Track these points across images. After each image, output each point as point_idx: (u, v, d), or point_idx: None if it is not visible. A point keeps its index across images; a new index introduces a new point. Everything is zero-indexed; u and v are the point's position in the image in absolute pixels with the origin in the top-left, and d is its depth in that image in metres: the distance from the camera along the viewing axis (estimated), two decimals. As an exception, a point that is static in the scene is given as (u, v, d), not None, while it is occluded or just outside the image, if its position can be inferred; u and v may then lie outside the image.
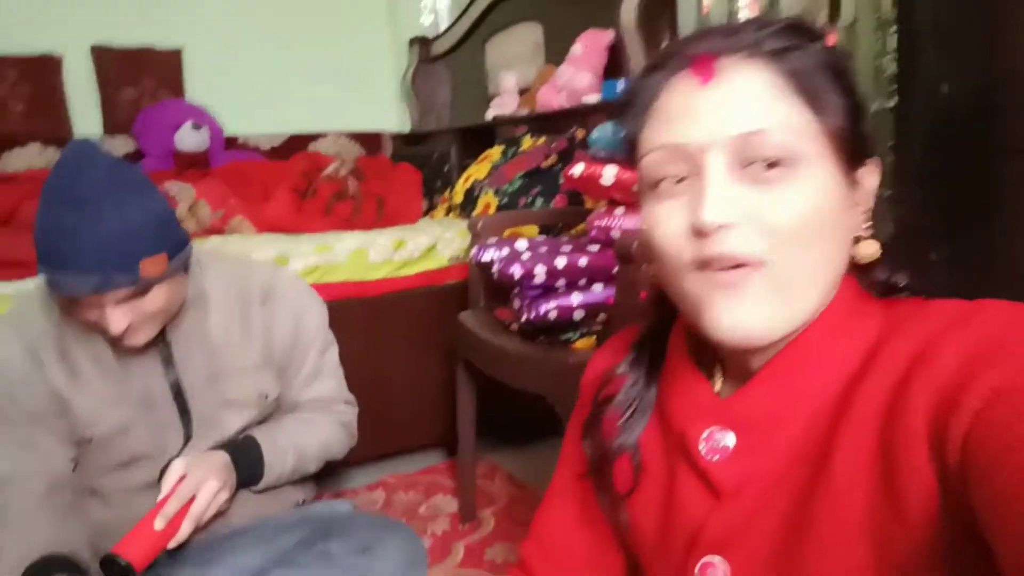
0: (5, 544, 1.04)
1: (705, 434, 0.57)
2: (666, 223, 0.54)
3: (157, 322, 1.07)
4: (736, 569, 0.56)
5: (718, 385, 0.61)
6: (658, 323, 0.68)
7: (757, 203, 0.51)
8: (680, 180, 0.54)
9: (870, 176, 0.56)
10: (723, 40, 0.53)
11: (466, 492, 1.81)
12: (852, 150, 0.53)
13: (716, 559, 0.56)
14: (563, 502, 0.75)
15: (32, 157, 2.93)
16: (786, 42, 0.52)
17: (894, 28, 1.39)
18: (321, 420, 1.28)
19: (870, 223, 0.56)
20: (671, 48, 0.56)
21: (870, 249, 0.55)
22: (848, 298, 0.55)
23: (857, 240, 0.55)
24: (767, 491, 0.54)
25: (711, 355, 0.62)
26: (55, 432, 1.12)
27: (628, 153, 0.59)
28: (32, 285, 1.60)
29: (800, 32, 0.53)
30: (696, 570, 0.57)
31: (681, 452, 0.60)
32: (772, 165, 0.50)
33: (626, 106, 0.58)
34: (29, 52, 3.04)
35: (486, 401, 1.76)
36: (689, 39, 0.55)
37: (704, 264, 0.52)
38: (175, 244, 1.04)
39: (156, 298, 1.03)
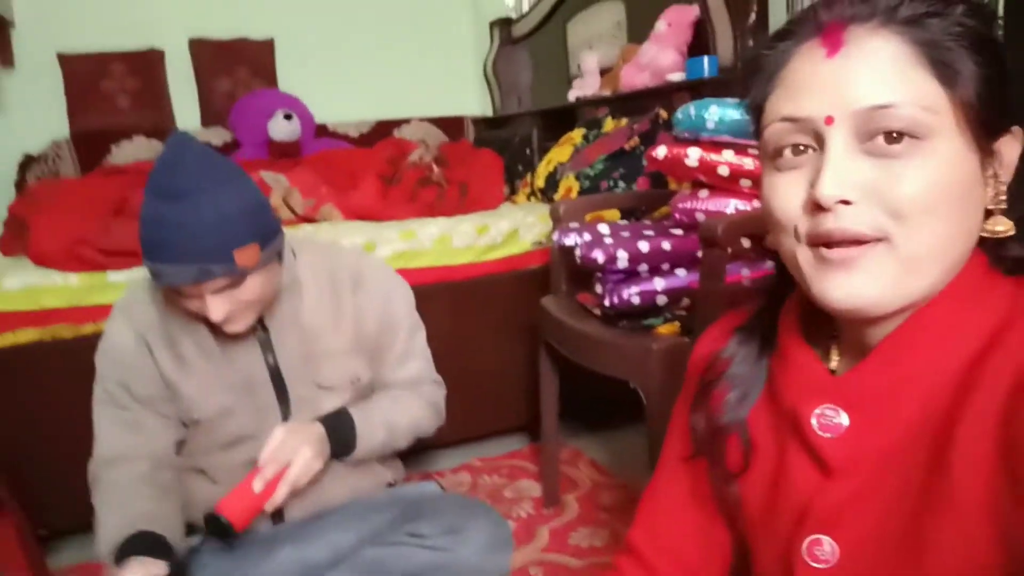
0: (106, 518, 1.11)
1: (818, 411, 0.57)
2: (784, 195, 0.54)
3: (254, 309, 1.12)
4: (844, 548, 0.55)
5: (834, 363, 0.61)
6: (770, 302, 0.68)
7: (880, 178, 0.50)
8: (802, 151, 0.53)
9: (1010, 147, 0.53)
10: (854, 7, 0.51)
11: (550, 477, 1.83)
12: (988, 120, 0.51)
13: (824, 538, 0.56)
14: (669, 485, 0.76)
15: (139, 149, 3.10)
16: (923, 8, 0.50)
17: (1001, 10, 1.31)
18: (411, 398, 1.32)
19: (1005, 196, 0.53)
20: (804, 13, 0.55)
21: (1002, 225, 0.53)
22: (975, 274, 0.53)
23: (989, 214, 0.53)
24: (879, 470, 0.54)
25: (827, 332, 0.61)
26: (162, 415, 1.19)
27: (754, 120, 0.59)
28: (140, 274, 1.70)
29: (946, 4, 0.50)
30: (804, 547, 0.57)
31: (792, 429, 0.60)
32: (897, 138, 0.49)
33: (752, 73, 0.57)
34: (134, 48, 3.21)
35: (569, 386, 1.77)
36: (820, 3, 0.54)
37: (819, 238, 0.52)
38: (268, 234, 1.08)
39: (252, 287, 1.08)
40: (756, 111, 0.58)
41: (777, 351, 0.63)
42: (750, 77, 0.58)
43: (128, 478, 1.15)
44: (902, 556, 0.51)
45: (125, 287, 1.30)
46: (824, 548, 0.56)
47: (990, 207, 0.53)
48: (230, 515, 1.05)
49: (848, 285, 0.51)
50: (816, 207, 0.51)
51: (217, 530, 1.06)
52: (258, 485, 1.07)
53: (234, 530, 1.05)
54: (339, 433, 1.20)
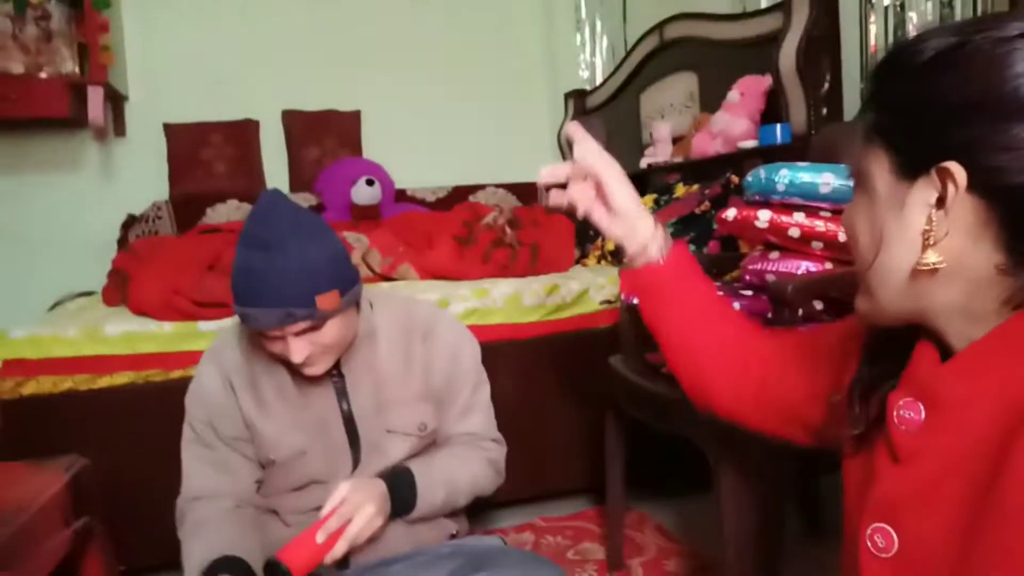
0: (193, 547, 1.16)
1: (901, 403, 0.59)
2: None
3: (332, 354, 1.18)
4: (905, 540, 0.56)
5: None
6: None
7: None
8: None
9: (936, 187, 0.55)
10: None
11: (614, 540, 1.80)
12: (903, 166, 0.57)
13: (886, 527, 0.57)
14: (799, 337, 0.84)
15: (232, 211, 3.30)
16: (872, 76, 0.60)
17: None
18: (471, 455, 1.34)
19: (930, 234, 0.56)
20: None
21: (929, 259, 0.55)
22: None
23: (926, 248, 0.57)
24: (947, 469, 0.54)
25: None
26: (245, 456, 1.25)
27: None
28: (229, 323, 1.80)
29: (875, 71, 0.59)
30: (867, 534, 0.58)
31: (878, 414, 0.62)
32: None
33: None
34: (232, 118, 3.46)
35: (636, 449, 1.75)
36: None
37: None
38: (347, 281, 1.15)
39: (331, 331, 1.14)
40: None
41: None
42: None
43: (214, 513, 1.20)
44: (960, 556, 0.51)
45: (214, 335, 1.39)
46: (884, 537, 0.57)
47: (925, 242, 0.56)
48: (290, 564, 1.08)
49: (855, 301, 0.63)
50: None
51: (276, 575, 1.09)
52: (320, 537, 1.10)
53: None
54: (400, 491, 1.22)
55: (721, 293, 1.43)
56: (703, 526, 1.94)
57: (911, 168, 0.55)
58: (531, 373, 2.03)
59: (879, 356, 0.66)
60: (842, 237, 1.26)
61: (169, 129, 3.40)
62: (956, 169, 0.52)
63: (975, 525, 0.51)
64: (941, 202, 0.53)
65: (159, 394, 1.77)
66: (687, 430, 1.37)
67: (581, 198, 0.85)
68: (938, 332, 0.58)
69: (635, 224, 0.85)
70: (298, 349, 1.12)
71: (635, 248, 0.86)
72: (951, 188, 0.53)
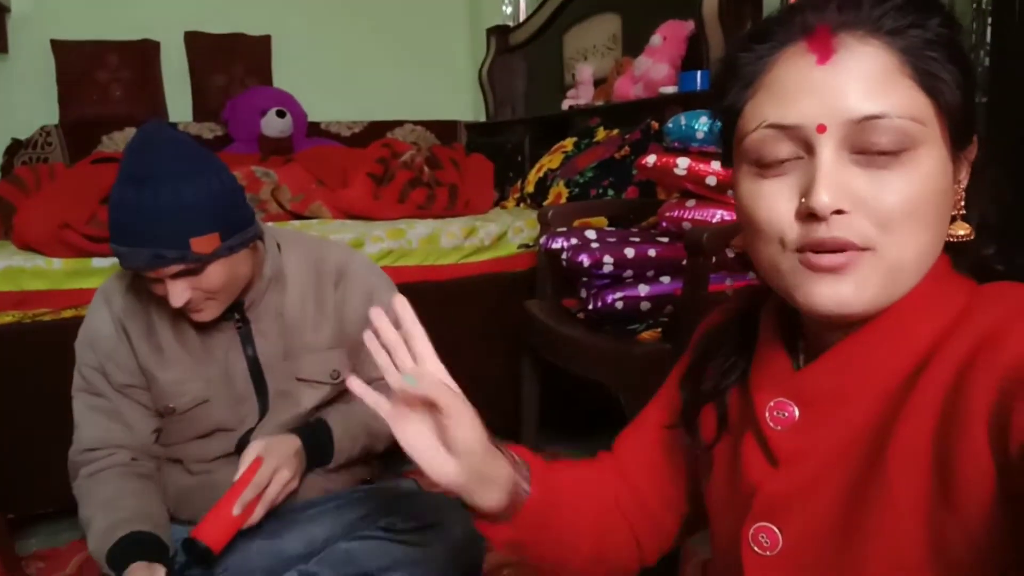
0: (95, 516, 1.09)
1: (772, 403, 0.58)
2: (771, 203, 0.53)
3: (220, 300, 1.11)
4: (788, 538, 0.56)
5: (800, 360, 0.61)
6: (752, 300, 0.69)
7: (870, 188, 0.49)
8: (787, 157, 0.52)
9: (972, 153, 0.54)
10: (842, 14, 0.51)
11: (527, 479, 1.83)
12: (962, 128, 0.52)
13: (769, 526, 0.57)
14: (639, 440, 0.78)
15: (129, 140, 3.08)
16: (907, 19, 0.50)
17: (990, 19, 1.33)
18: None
19: (963, 201, 0.55)
20: (784, 16, 0.54)
21: (963, 229, 0.54)
22: (936, 279, 0.53)
23: (953, 219, 0.54)
24: (826, 465, 0.54)
25: (799, 329, 0.62)
26: (140, 403, 1.18)
27: (726, 124, 0.58)
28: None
29: (919, 6, 0.50)
30: (750, 534, 0.58)
31: (750, 419, 0.61)
32: (885, 148, 0.49)
33: (728, 76, 0.56)
34: (129, 37, 3.21)
35: (550, 391, 1.77)
36: (804, 5, 0.53)
37: (809, 246, 0.51)
38: (233, 223, 1.06)
39: (215, 275, 1.06)
40: (730, 115, 0.57)
41: (759, 344, 0.64)
42: (725, 80, 0.56)
43: (110, 472, 1.14)
44: (841, 548, 0.52)
45: (109, 273, 1.30)
46: (768, 536, 0.57)
47: (953, 212, 0.53)
48: (208, 540, 1.04)
49: (835, 292, 0.51)
50: (809, 216, 0.50)
51: (195, 554, 1.05)
52: (237, 510, 1.06)
53: (212, 554, 1.05)
54: (316, 446, 1.19)
55: (638, 238, 1.45)
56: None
57: (965, 136, 0.52)
58: (447, 316, 2.01)
59: (715, 363, 0.67)
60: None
61: (58, 47, 3.11)
62: (975, 142, 0.53)
63: (859, 507, 0.51)
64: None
65: (49, 335, 1.66)
66: (600, 373, 1.39)
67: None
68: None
69: (491, 468, 0.66)
70: (176, 293, 1.05)
71: (499, 497, 0.66)
72: (973, 155, 0.54)
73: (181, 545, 1.06)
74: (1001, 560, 0.44)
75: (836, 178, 0.49)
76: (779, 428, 0.57)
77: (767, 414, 0.58)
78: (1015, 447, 0.41)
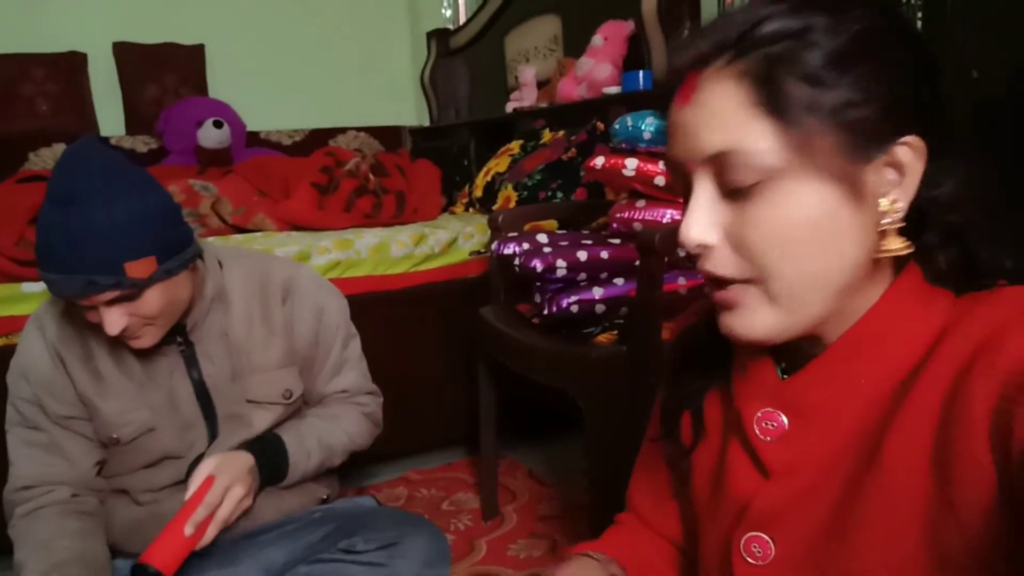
0: (28, 559, 1.03)
1: (759, 414, 0.58)
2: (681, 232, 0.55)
3: (160, 324, 1.06)
4: (781, 547, 0.56)
5: (783, 366, 0.61)
6: None
7: (735, 222, 0.50)
8: (687, 191, 0.54)
9: (907, 159, 0.49)
10: (700, 52, 0.51)
11: (488, 488, 1.81)
12: (854, 144, 0.48)
13: (761, 536, 0.57)
14: (648, 471, 0.78)
15: (58, 156, 2.96)
16: (750, 44, 0.48)
17: (920, 13, 1.36)
18: (346, 412, 1.29)
19: (900, 212, 0.50)
20: (670, 58, 0.57)
21: (895, 244, 0.50)
22: (912, 287, 0.53)
23: (884, 233, 0.51)
24: (818, 475, 0.54)
25: None
26: (81, 435, 1.12)
27: None
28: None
29: (799, 16, 0.48)
30: (741, 544, 0.58)
31: (735, 429, 0.61)
32: (745, 183, 0.49)
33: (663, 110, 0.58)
34: (54, 50, 3.08)
35: (508, 397, 1.76)
36: (686, 41, 0.53)
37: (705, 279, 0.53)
38: (169, 245, 1.02)
39: (152, 300, 1.01)
40: None
41: (737, 350, 0.64)
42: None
43: (48, 511, 1.08)
44: (835, 556, 0.52)
45: (41, 299, 1.23)
46: (760, 546, 0.57)
47: (883, 226, 0.50)
48: (158, 563, 1.00)
49: (732, 324, 0.53)
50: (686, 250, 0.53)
51: None
52: (188, 530, 1.02)
53: None
54: (270, 462, 1.16)
55: (590, 241, 1.44)
56: (573, 468, 1.99)
57: (868, 146, 0.48)
58: (400, 326, 1.98)
59: (691, 370, 0.67)
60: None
61: (-24, 61, 2.98)
62: (917, 142, 0.49)
63: (851, 513, 0.51)
64: (898, 180, 0.50)
65: (-22, 365, 1.58)
66: (557, 378, 1.38)
67: None
68: (813, 331, 0.54)
69: None
70: (112, 321, 0.99)
71: None
72: (913, 164, 0.49)
73: (131, 571, 1.01)
74: (999, 564, 0.44)
75: (705, 213, 0.51)
76: (768, 439, 0.57)
77: (755, 425, 0.58)
78: (1017, 451, 0.41)
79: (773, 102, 0.48)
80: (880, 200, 0.49)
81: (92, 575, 1.02)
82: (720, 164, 0.50)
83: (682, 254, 0.52)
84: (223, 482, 1.06)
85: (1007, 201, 0.56)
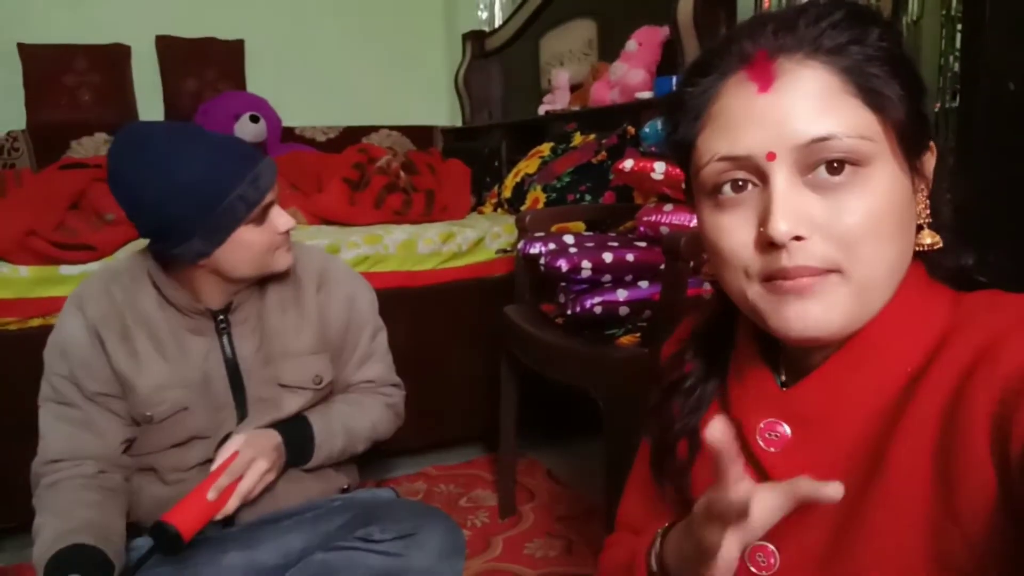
0: (45, 524, 1.05)
1: (762, 424, 0.57)
2: (731, 235, 0.53)
3: (289, 243, 1.18)
4: (786, 556, 0.56)
5: (783, 377, 0.61)
6: (722, 313, 0.67)
7: (827, 211, 0.49)
8: (742, 188, 0.52)
9: (929, 161, 0.54)
10: (778, 38, 0.51)
11: (506, 487, 1.82)
12: (913, 139, 0.52)
13: (767, 546, 0.57)
14: (639, 493, 0.76)
15: (99, 145, 3.03)
16: (844, 36, 0.50)
17: (959, 26, 1.35)
18: (370, 402, 1.31)
19: (928, 210, 0.55)
20: (722, 45, 0.54)
21: (930, 238, 0.54)
22: (915, 289, 0.53)
23: (919, 228, 0.54)
24: (825, 480, 0.54)
25: (776, 346, 0.61)
26: (113, 412, 1.15)
27: (680, 157, 0.58)
28: (96, 267, 1.66)
29: (857, 21, 0.50)
30: (747, 553, 0.57)
31: (737, 440, 0.60)
32: (838, 169, 0.49)
33: (677, 109, 0.56)
34: (97, 41, 3.15)
35: (529, 397, 1.76)
36: (740, 33, 0.53)
37: (774, 275, 0.51)
38: None
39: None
40: (684, 149, 0.57)
41: (733, 360, 0.63)
42: (674, 114, 0.57)
43: (72, 482, 1.10)
44: (840, 563, 0.52)
45: (79, 281, 1.27)
46: (765, 555, 0.57)
47: (919, 222, 0.54)
48: (179, 524, 1.02)
49: (805, 315, 0.50)
50: (769, 245, 0.50)
51: (162, 540, 1.02)
52: (212, 495, 1.04)
53: (182, 541, 1.02)
54: (297, 442, 1.18)
55: (616, 243, 1.44)
56: (592, 470, 1.99)
57: (919, 145, 0.53)
58: (425, 322, 2.00)
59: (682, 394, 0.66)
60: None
61: (24, 50, 3.05)
62: (933, 148, 0.53)
63: (856, 525, 0.51)
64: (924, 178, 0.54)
65: (15, 344, 1.62)
66: (579, 378, 1.38)
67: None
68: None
69: None
70: (285, 215, 1.14)
71: None
72: (933, 166, 0.53)
73: (149, 531, 1.04)
74: (1002, 568, 0.44)
75: (792, 204, 0.49)
76: (772, 450, 0.57)
77: (758, 437, 0.57)
78: (1016, 455, 0.42)
79: (867, 92, 0.49)
80: (918, 196, 0.54)
81: (102, 543, 1.03)
82: (814, 151, 0.49)
83: (782, 241, 0.49)
84: (248, 453, 1.09)
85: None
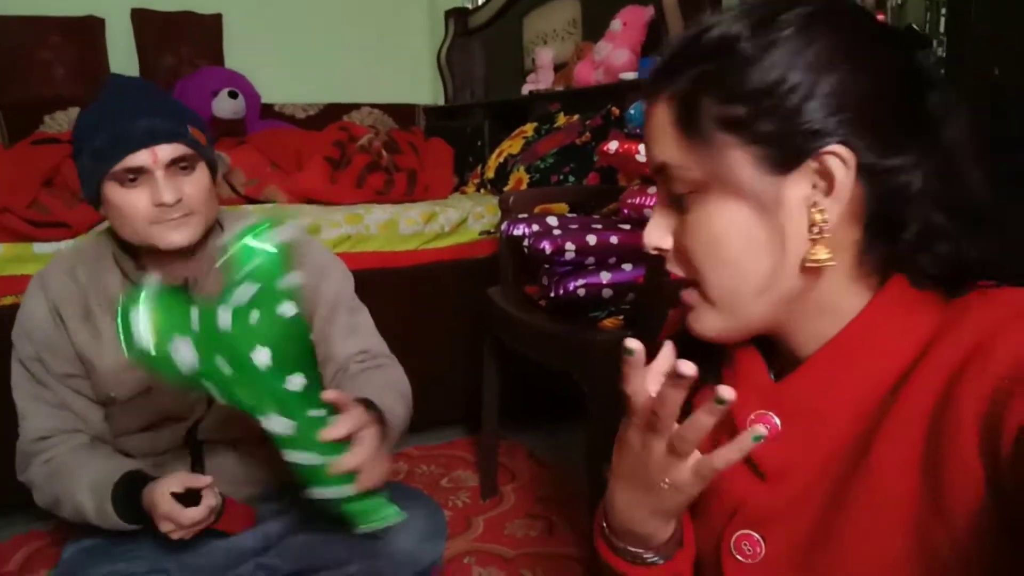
0: (74, 480, 1.05)
1: (752, 416, 0.58)
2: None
3: (196, 220, 1.07)
4: (772, 546, 0.56)
5: (777, 367, 0.61)
6: None
7: (679, 229, 0.55)
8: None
9: (836, 169, 0.49)
10: (658, 66, 0.55)
11: (488, 468, 1.82)
12: (781, 155, 0.49)
13: (753, 535, 0.57)
14: None
15: (72, 121, 2.96)
16: (674, 71, 0.53)
17: (944, 11, 1.34)
18: (384, 367, 1.26)
19: (826, 223, 0.50)
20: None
21: (820, 254, 0.50)
22: (894, 295, 0.53)
23: (814, 242, 0.50)
24: (811, 477, 0.55)
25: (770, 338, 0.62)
26: (82, 394, 1.14)
27: None
28: (68, 245, 1.63)
29: (689, 55, 0.52)
30: (732, 541, 0.58)
31: (727, 430, 0.60)
32: (683, 194, 0.53)
33: None
34: (71, 13, 3.07)
35: (512, 379, 1.76)
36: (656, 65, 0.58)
37: None
38: (209, 139, 1.10)
39: (200, 180, 1.07)
40: None
41: (728, 350, 0.63)
42: None
43: (75, 449, 1.10)
44: (824, 555, 0.52)
45: (50, 259, 1.24)
46: (751, 544, 0.57)
47: (812, 236, 0.50)
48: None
49: (689, 321, 0.57)
50: None
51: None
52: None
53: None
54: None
55: (600, 225, 1.44)
56: (573, 452, 2.00)
57: (784, 159, 0.49)
58: (407, 303, 1.98)
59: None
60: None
61: (-6, 22, 2.98)
62: (843, 151, 0.48)
63: (842, 518, 0.51)
64: (826, 189, 0.50)
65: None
66: (562, 361, 1.38)
67: None
68: (786, 335, 0.56)
69: None
70: (170, 187, 1.02)
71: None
72: (841, 172, 0.48)
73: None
74: (987, 566, 0.44)
75: (657, 221, 0.56)
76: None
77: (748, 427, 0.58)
78: (1005, 454, 0.42)
79: (687, 120, 0.52)
80: (810, 209, 0.50)
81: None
82: (662, 176, 0.54)
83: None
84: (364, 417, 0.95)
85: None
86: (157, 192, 1.02)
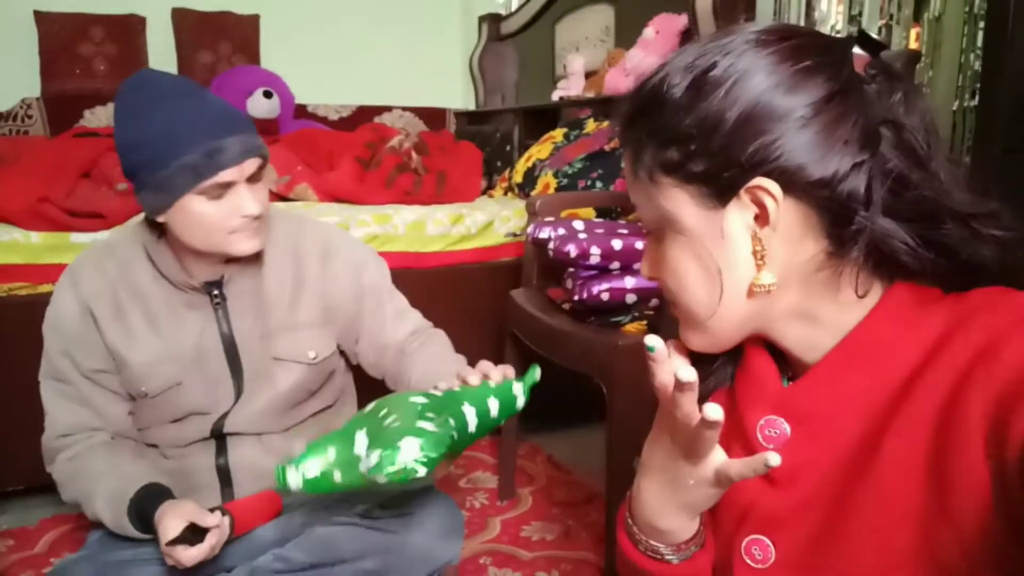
0: (99, 479, 1.08)
1: (762, 421, 0.58)
2: None
3: (265, 227, 1.12)
4: (781, 550, 0.57)
5: (789, 373, 0.62)
6: None
7: (659, 259, 0.59)
8: None
9: (768, 199, 0.51)
10: (616, 122, 0.61)
11: (506, 470, 1.83)
12: (704, 192, 0.53)
13: (763, 539, 0.58)
14: None
15: (112, 116, 3.02)
16: (628, 123, 0.57)
17: (982, 23, 1.33)
18: (435, 335, 1.33)
19: (763, 250, 0.53)
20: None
21: (763, 279, 0.53)
22: (898, 301, 0.54)
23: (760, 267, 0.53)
24: (820, 481, 0.55)
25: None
26: (109, 389, 1.16)
27: None
28: (104, 236, 1.67)
29: (640, 106, 0.56)
30: (743, 546, 0.59)
31: (738, 434, 0.61)
32: (648, 231, 0.60)
33: None
34: (113, 11, 3.14)
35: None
36: None
37: None
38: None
39: (264, 189, 1.09)
40: None
41: (743, 356, 0.64)
42: None
43: (96, 449, 1.12)
44: (833, 559, 0.53)
45: (83, 250, 1.27)
46: (761, 549, 0.58)
47: (758, 262, 0.53)
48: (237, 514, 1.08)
49: (680, 335, 0.61)
50: None
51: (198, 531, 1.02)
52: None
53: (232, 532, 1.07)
54: None
55: (626, 231, 1.44)
56: (593, 456, 2.00)
57: (719, 194, 0.53)
58: (432, 303, 1.98)
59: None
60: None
61: (40, 17, 3.05)
62: (768, 183, 0.51)
63: (849, 522, 0.52)
64: (761, 218, 0.52)
65: (25, 309, 1.63)
66: (584, 365, 1.38)
67: None
68: (777, 340, 0.59)
69: None
70: (258, 198, 1.06)
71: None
72: (770, 202, 0.51)
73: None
74: (994, 568, 0.44)
75: (648, 253, 0.61)
76: (772, 446, 0.58)
77: (758, 432, 0.59)
78: (1013, 456, 0.42)
79: (638, 166, 0.56)
80: (752, 237, 0.53)
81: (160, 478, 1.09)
82: (637, 215, 0.60)
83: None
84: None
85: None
86: (243, 205, 1.05)
